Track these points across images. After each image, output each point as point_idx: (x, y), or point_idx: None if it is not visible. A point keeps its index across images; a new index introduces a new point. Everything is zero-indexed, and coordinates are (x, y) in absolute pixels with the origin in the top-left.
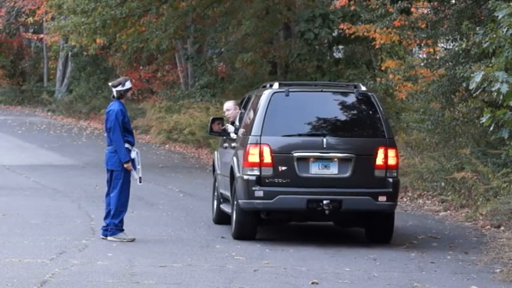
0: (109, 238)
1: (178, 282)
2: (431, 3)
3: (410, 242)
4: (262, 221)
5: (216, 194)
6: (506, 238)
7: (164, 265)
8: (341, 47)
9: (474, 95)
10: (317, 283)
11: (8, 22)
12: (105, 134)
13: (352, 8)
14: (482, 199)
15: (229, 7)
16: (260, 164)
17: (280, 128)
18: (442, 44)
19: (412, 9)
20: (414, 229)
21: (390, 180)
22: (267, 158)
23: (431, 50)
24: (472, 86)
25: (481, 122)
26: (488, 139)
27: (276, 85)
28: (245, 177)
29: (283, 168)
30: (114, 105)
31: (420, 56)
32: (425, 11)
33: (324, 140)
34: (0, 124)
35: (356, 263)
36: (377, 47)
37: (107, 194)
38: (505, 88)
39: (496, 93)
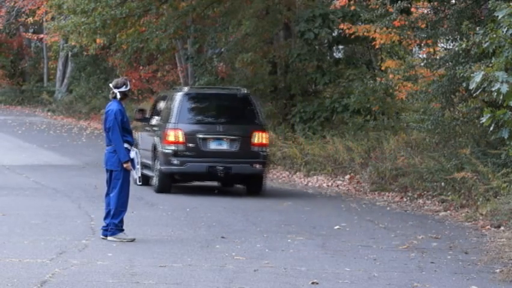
0: (109, 238)
1: (178, 282)
2: (431, 3)
3: (410, 242)
4: (176, 181)
5: None
6: (506, 238)
7: (164, 265)
8: (341, 47)
9: (474, 95)
10: (317, 283)
11: (8, 22)
12: (104, 134)
13: (352, 8)
14: (482, 199)
15: (229, 7)
16: (176, 142)
17: (189, 118)
18: (442, 44)
19: (412, 9)
20: (414, 229)
21: (262, 153)
22: (181, 138)
23: (431, 50)
24: (472, 86)
25: (481, 122)
26: (488, 139)
27: (186, 88)
28: (165, 151)
29: (191, 145)
30: (113, 105)
31: (420, 56)
32: (425, 11)
33: (219, 126)
34: (0, 124)
35: (356, 263)
36: (377, 47)
37: (107, 194)
38: (505, 88)
39: (496, 93)
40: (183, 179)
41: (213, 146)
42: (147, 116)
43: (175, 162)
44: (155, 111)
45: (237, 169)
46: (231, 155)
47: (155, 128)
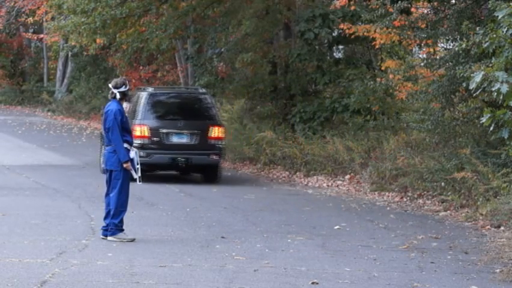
0: (109, 238)
1: (178, 282)
2: (431, 3)
3: (410, 242)
4: (143, 171)
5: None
6: (506, 238)
7: (164, 265)
8: (341, 47)
9: (474, 95)
10: (317, 283)
11: (8, 22)
12: (104, 134)
13: (352, 8)
14: (482, 199)
15: (229, 7)
16: (142, 137)
17: (154, 115)
18: (442, 44)
19: (412, 9)
20: (414, 229)
21: (218, 145)
22: (146, 133)
23: (431, 50)
24: (472, 86)
25: (481, 122)
26: (488, 139)
27: (150, 89)
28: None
29: (156, 139)
30: (112, 105)
31: (420, 56)
32: (425, 11)
33: (179, 122)
34: (0, 124)
35: (356, 263)
36: (377, 47)
37: (107, 194)
38: (505, 88)
39: (496, 93)
40: (149, 169)
41: (175, 139)
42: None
43: (142, 154)
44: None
45: (196, 160)
46: (191, 147)
47: None
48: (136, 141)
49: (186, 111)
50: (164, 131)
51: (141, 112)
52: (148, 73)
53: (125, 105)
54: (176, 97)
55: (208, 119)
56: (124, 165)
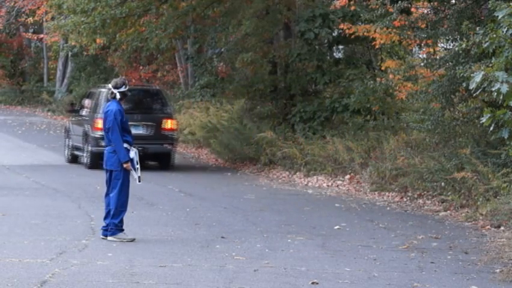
0: (109, 238)
1: (178, 282)
2: (431, 3)
3: (410, 242)
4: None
5: (68, 145)
6: (506, 238)
7: (164, 265)
8: (341, 47)
9: (474, 95)
10: (317, 283)
11: (8, 22)
12: (104, 134)
13: (352, 8)
14: (482, 199)
15: (229, 7)
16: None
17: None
18: (442, 44)
19: (412, 9)
20: (414, 229)
21: (171, 136)
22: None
23: (431, 50)
24: (472, 86)
25: (481, 122)
26: (488, 139)
27: (110, 85)
28: (94, 135)
29: None
30: (112, 106)
31: (420, 56)
32: (425, 11)
33: (137, 115)
34: (0, 124)
35: (356, 263)
36: (377, 47)
37: (107, 194)
38: (505, 88)
39: (496, 93)
40: None
41: (133, 131)
42: (77, 108)
43: (103, 144)
44: (84, 105)
45: (152, 149)
46: (147, 137)
47: (85, 118)
48: (98, 133)
49: (142, 105)
50: None
51: (102, 106)
52: (148, 73)
53: (87, 101)
54: (133, 93)
55: (162, 112)
56: (124, 166)
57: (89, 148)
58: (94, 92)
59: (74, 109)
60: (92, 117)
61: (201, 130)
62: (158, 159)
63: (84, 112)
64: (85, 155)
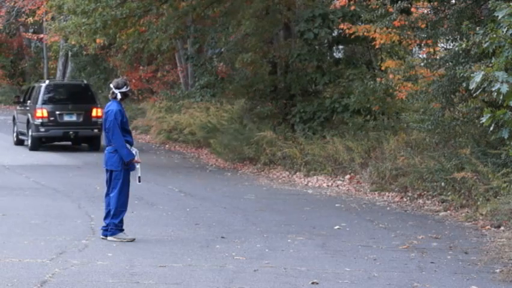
0: (109, 238)
1: (178, 282)
2: (431, 3)
3: (410, 242)
4: (42, 142)
5: (15, 131)
6: (506, 238)
7: (164, 265)
8: (341, 47)
9: (474, 95)
10: (317, 283)
11: (8, 22)
12: (104, 134)
13: (352, 8)
14: (482, 199)
15: (229, 7)
16: (42, 117)
17: (50, 100)
18: (442, 44)
19: (412, 9)
20: (414, 229)
21: (98, 122)
22: (45, 114)
23: (431, 50)
24: (472, 86)
25: (481, 122)
26: (488, 139)
27: (47, 81)
28: (35, 122)
29: (52, 118)
30: (113, 106)
31: (420, 56)
32: (425, 11)
33: (69, 105)
34: (0, 124)
35: (356, 263)
36: (377, 47)
37: (107, 194)
38: (505, 88)
39: (496, 93)
40: (47, 140)
41: (66, 118)
42: (22, 100)
43: (42, 129)
44: (27, 97)
45: (82, 133)
46: (78, 124)
47: (28, 108)
48: (38, 121)
49: (74, 97)
50: (58, 112)
51: (40, 99)
52: (148, 73)
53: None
54: (66, 87)
55: (90, 103)
56: (133, 161)
57: (31, 133)
58: (35, 86)
59: (19, 101)
60: (34, 107)
61: (201, 130)
62: (88, 141)
63: (28, 103)
64: (28, 139)
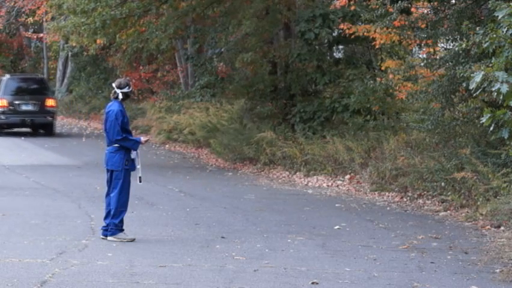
0: (109, 238)
1: (178, 282)
2: (431, 3)
3: (410, 242)
4: (3, 128)
5: None
6: (506, 238)
7: (164, 265)
8: (341, 47)
9: (474, 95)
10: (317, 283)
11: (8, 22)
12: (104, 134)
13: (352, 8)
14: (482, 199)
15: (229, 7)
16: (2, 106)
17: (10, 92)
18: (442, 44)
19: (412, 9)
20: (414, 229)
21: (51, 111)
22: (5, 104)
23: (431, 50)
24: (472, 86)
25: (481, 122)
26: (488, 139)
27: (8, 75)
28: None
29: (11, 107)
30: (114, 106)
31: (420, 56)
32: (425, 11)
33: (26, 96)
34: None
35: (356, 263)
36: (377, 47)
37: (107, 194)
38: (505, 88)
39: (496, 93)
40: (8, 127)
41: (24, 107)
42: None
43: (2, 117)
44: None
45: (38, 120)
46: (34, 112)
47: None
48: (1, 109)
49: (31, 89)
50: (17, 102)
51: (2, 91)
52: (148, 73)
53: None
54: (24, 80)
55: (44, 94)
56: (144, 141)
57: None
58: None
59: None
60: None
61: (201, 130)
62: (43, 128)
63: None
64: None
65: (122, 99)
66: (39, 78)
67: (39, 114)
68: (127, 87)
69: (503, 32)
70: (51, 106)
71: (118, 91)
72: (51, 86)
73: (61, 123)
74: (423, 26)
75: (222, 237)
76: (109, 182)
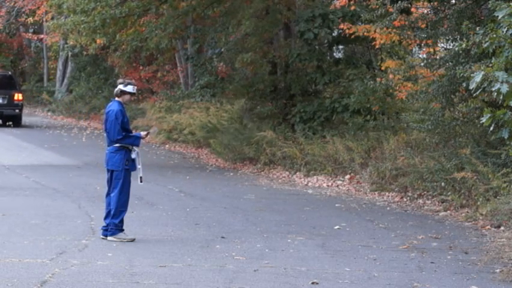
0: (109, 238)
1: (178, 282)
2: (431, 3)
3: (410, 242)
4: None
5: None
6: (506, 238)
7: (164, 265)
8: (341, 47)
9: (474, 95)
10: (317, 283)
11: (8, 22)
12: (105, 134)
13: (352, 8)
14: (482, 199)
15: (229, 7)
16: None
17: None
18: (442, 44)
19: (412, 9)
20: (414, 229)
21: (19, 104)
22: None
23: (431, 50)
24: (472, 86)
25: (481, 122)
26: (488, 139)
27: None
28: None
29: None
30: (113, 106)
31: (420, 56)
32: (425, 11)
33: None
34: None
35: (356, 263)
36: (377, 47)
37: (107, 194)
38: (505, 88)
39: (496, 93)
40: None
41: None
42: None
43: None
44: None
45: (7, 113)
46: (3, 105)
47: None
48: None
49: (0, 84)
50: None
51: None
52: (148, 73)
53: None
54: None
55: (13, 89)
56: (144, 135)
57: None
58: None
59: None
60: None
61: (201, 130)
62: (11, 119)
63: None
64: None
65: (120, 96)
66: (8, 74)
67: (8, 107)
68: (131, 86)
69: (503, 32)
70: (19, 100)
71: (120, 86)
72: (18, 81)
73: (61, 123)
74: (423, 26)
75: (222, 237)
76: (109, 182)
